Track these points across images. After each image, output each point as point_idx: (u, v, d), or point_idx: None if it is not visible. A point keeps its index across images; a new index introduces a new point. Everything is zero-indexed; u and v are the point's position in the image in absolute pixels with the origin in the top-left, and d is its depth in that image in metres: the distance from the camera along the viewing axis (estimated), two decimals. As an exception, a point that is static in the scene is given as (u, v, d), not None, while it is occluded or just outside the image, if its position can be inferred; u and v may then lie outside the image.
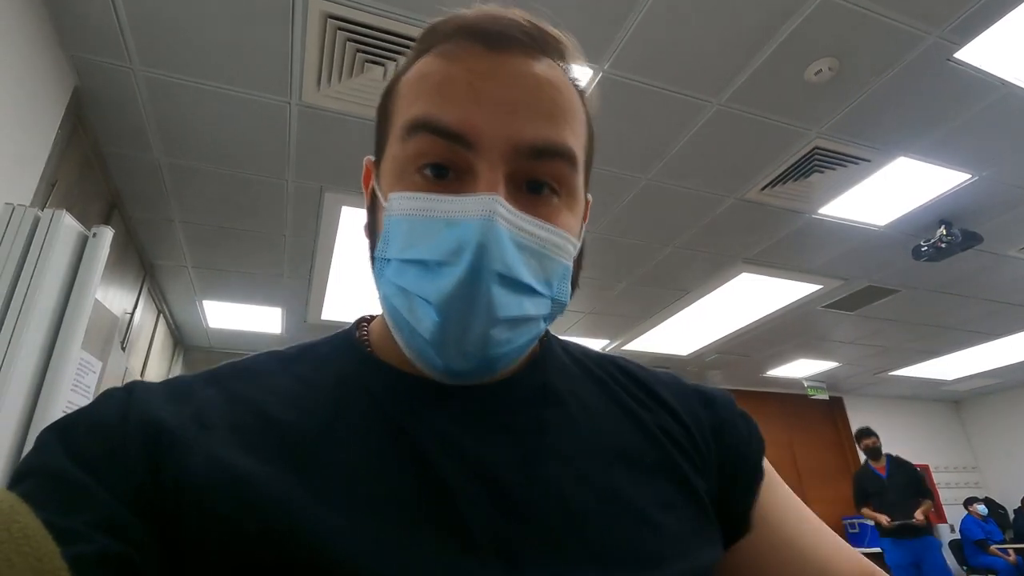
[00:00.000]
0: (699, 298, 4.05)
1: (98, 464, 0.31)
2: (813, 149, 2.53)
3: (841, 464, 6.39)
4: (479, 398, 0.39)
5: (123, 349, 3.11)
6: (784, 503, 0.46)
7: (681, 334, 4.79)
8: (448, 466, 0.34)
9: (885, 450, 4.65)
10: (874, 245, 3.35)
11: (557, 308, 0.39)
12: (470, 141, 0.35)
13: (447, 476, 0.34)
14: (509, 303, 0.34)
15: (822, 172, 2.70)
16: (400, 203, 0.36)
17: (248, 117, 2.25)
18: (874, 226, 3.17)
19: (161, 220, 2.95)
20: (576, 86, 0.41)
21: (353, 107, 2.22)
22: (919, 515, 4.20)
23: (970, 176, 2.75)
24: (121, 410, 0.34)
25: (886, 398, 6.98)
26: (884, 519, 4.28)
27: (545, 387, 0.41)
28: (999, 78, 2.14)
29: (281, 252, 3.32)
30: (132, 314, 3.25)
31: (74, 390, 1.68)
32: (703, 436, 0.44)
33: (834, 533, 0.47)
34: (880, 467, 4.53)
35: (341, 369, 0.40)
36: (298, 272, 3.57)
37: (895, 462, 4.52)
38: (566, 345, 0.48)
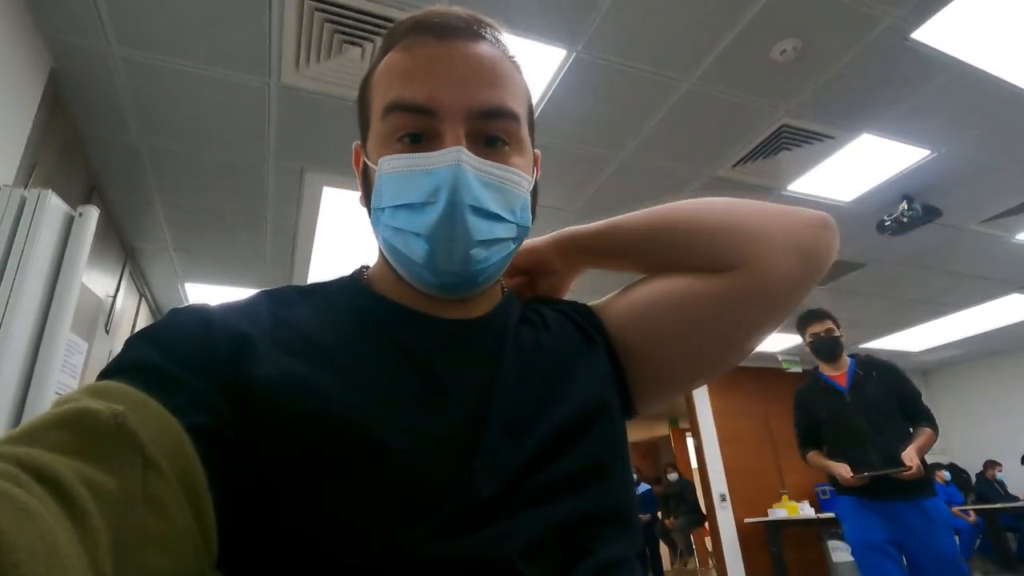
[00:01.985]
0: (676, 274, 4.16)
1: (188, 360, 0.37)
2: (781, 127, 2.63)
3: (814, 434, 6.61)
4: (462, 330, 0.50)
5: (107, 332, 3.13)
6: (638, 284, 0.58)
7: (659, 310, 4.91)
8: (442, 372, 0.45)
9: None
10: (841, 220, 3.38)
11: (522, 231, 0.50)
12: (435, 111, 0.45)
13: (442, 379, 0.45)
14: (482, 228, 0.45)
15: (790, 149, 2.80)
16: (388, 163, 0.46)
17: (227, 98, 2.27)
18: (840, 202, 3.29)
19: (141, 203, 2.96)
20: (512, 60, 0.51)
21: (332, 88, 2.25)
22: (909, 456, 2.33)
23: (930, 152, 2.87)
24: (202, 321, 0.42)
25: (857, 370, 7.22)
26: (844, 470, 2.44)
27: (506, 322, 0.52)
28: (954, 57, 2.24)
29: (263, 234, 3.34)
30: (114, 298, 3.26)
31: (63, 371, 1.71)
32: (587, 311, 0.59)
33: None
34: (838, 375, 2.65)
35: (352, 303, 0.50)
36: (281, 254, 3.60)
37: (864, 364, 2.65)
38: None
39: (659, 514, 7.29)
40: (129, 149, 2.52)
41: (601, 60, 2.18)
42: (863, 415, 2.52)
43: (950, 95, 2.46)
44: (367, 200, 0.51)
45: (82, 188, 2.59)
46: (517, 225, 0.48)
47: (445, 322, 0.49)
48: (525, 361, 0.49)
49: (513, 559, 0.37)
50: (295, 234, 3.37)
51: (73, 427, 0.28)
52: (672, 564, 8.00)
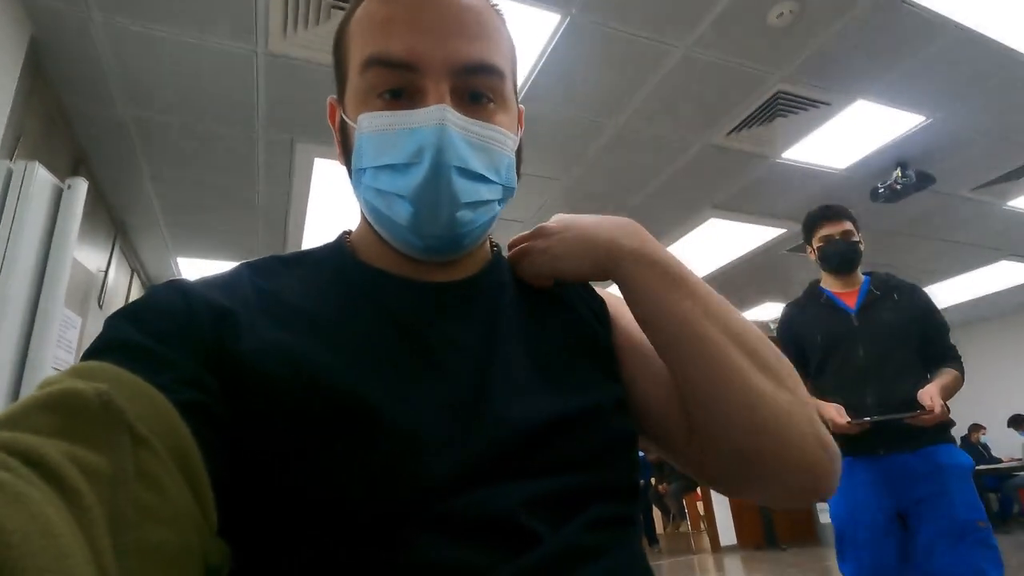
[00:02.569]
0: (670, 244, 4.17)
1: (170, 338, 0.37)
2: (776, 93, 2.60)
3: (804, 400, 6.71)
4: (449, 293, 0.48)
5: (100, 307, 3.12)
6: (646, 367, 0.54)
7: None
8: (432, 338, 0.44)
9: None
10: (835, 188, 3.47)
11: (508, 192, 0.48)
12: (416, 66, 0.43)
13: (433, 345, 0.44)
14: (468, 190, 0.44)
15: (785, 116, 2.78)
16: (368, 122, 0.44)
17: (213, 67, 2.21)
18: (835, 169, 3.28)
19: (130, 176, 2.91)
20: (496, 9, 0.48)
21: (321, 55, 2.20)
22: (929, 394, 1.69)
23: (925, 118, 2.86)
24: (182, 297, 0.40)
25: (848, 338, 7.29)
26: (836, 413, 1.73)
27: (497, 284, 0.51)
28: (951, 20, 2.21)
29: (255, 206, 3.31)
30: (106, 272, 3.24)
31: (58, 346, 1.70)
32: (600, 305, 0.56)
33: None
34: (847, 292, 1.93)
35: (336, 271, 0.49)
36: (273, 225, 3.57)
37: (883, 283, 1.96)
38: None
39: (652, 480, 7.44)
40: (115, 121, 2.47)
41: (596, 24, 2.14)
42: (870, 346, 1.82)
43: (947, 59, 2.43)
44: (346, 159, 0.49)
45: (68, 162, 2.55)
46: (503, 186, 0.47)
47: (431, 286, 0.47)
48: (527, 327, 0.48)
49: (515, 510, 0.38)
50: (287, 206, 3.33)
51: (58, 409, 0.27)
52: (665, 528, 8.21)
